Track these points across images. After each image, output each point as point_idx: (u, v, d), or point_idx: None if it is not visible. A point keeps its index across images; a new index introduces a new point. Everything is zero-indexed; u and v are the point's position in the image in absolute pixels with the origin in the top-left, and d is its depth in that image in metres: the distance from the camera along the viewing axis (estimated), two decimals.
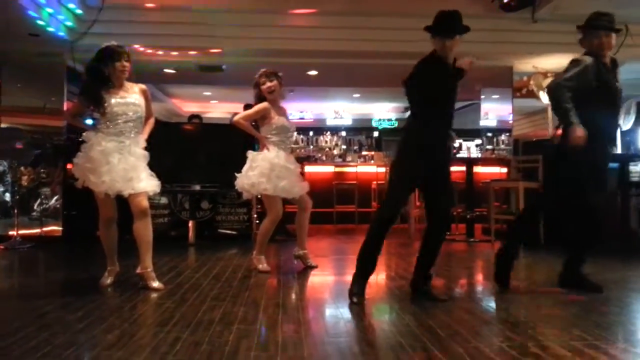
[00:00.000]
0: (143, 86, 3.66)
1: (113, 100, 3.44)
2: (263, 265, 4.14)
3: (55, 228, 6.17)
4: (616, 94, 3.40)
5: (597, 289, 3.37)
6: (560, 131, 3.41)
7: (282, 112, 4.31)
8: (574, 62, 3.36)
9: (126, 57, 3.49)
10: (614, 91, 3.39)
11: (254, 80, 4.27)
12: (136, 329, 2.56)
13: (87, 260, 4.77)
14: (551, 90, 3.38)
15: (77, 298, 3.33)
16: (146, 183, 3.47)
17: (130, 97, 3.51)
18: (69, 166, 6.14)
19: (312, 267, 4.34)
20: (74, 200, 5.94)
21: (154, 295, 3.32)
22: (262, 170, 4.07)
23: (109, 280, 3.61)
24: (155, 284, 3.46)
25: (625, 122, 6.27)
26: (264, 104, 4.21)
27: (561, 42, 6.70)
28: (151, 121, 3.74)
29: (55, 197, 6.27)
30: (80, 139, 3.54)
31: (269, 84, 4.20)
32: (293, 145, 6.73)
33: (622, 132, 6.23)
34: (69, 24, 5.74)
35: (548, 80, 7.27)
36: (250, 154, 4.22)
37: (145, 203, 3.44)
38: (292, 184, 4.15)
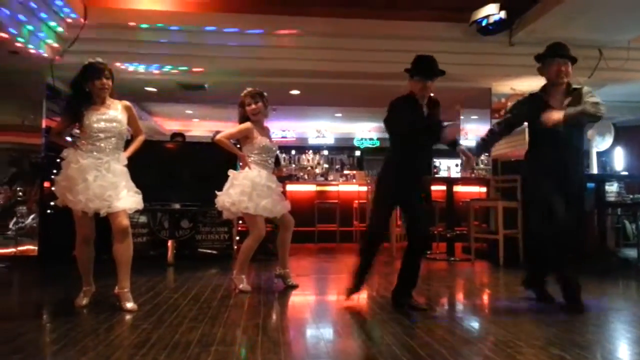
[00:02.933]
0: (127, 103, 3.62)
1: (93, 117, 3.42)
2: (244, 285, 4.10)
3: (30, 247, 6.04)
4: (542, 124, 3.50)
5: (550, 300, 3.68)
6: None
7: (265, 132, 4.32)
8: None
9: (107, 74, 3.47)
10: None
11: (239, 100, 4.28)
12: (112, 351, 2.50)
13: (62, 281, 4.66)
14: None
15: (51, 319, 3.25)
16: (125, 201, 3.40)
17: (111, 114, 3.48)
18: (46, 184, 6.07)
19: (293, 287, 4.31)
20: (51, 219, 5.84)
21: (131, 316, 3.25)
22: (244, 189, 4.06)
23: (84, 301, 3.53)
24: (129, 304, 3.38)
25: (602, 143, 6.41)
26: (247, 125, 4.21)
27: (537, 65, 6.90)
28: (140, 138, 3.70)
29: (32, 216, 6.16)
30: (58, 157, 3.49)
31: (253, 105, 4.21)
32: (282, 163, 6.79)
33: (598, 153, 6.37)
34: (49, 41, 5.70)
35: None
36: (232, 172, 4.21)
37: (125, 222, 3.37)
38: (273, 203, 4.14)
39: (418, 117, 3.47)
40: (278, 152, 4.65)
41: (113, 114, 3.49)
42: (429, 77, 3.47)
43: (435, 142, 3.57)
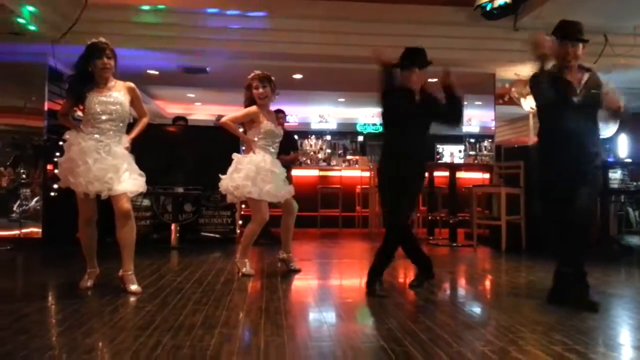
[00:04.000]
0: (130, 84, 3.58)
1: (95, 99, 3.39)
2: (246, 269, 4.11)
3: (34, 230, 6.07)
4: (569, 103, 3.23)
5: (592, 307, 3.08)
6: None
7: (270, 117, 4.29)
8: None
9: (109, 53, 3.43)
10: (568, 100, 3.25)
11: (247, 81, 4.22)
12: (116, 333, 2.53)
13: (67, 263, 4.69)
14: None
15: (56, 301, 3.28)
16: (127, 184, 3.39)
17: (113, 95, 3.44)
18: (49, 167, 6.07)
19: (295, 271, 4.33)
20: (55, 201, 5.85)
21: (135, 298, 3.27)
22: (248, 173, 4.05)
23: (88, 283, 3.56)
24: (134, 287, 3.40)
25: (606, 130, 6.36)
26: (254, 108, 4.18)
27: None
28: (144, 121, 3.68)
29: (36, 199, 6.17)
30: (60, 140, 3.48)
31: (261, 90, 4.16)
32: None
33: (603, 140, 6.33)
34: (51, 23, 5.65)
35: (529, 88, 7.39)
36: (236, 156, 4.19)
37: (126, 205, 3.37)
38: (277, 188, 4.14)
39: (401, 104, 3.67)
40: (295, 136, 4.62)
41: (115, 95, 3.46)
42: (422, 66, 3.64)
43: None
